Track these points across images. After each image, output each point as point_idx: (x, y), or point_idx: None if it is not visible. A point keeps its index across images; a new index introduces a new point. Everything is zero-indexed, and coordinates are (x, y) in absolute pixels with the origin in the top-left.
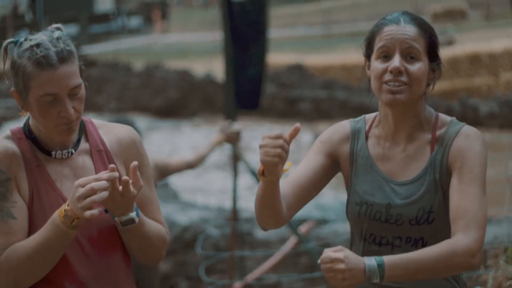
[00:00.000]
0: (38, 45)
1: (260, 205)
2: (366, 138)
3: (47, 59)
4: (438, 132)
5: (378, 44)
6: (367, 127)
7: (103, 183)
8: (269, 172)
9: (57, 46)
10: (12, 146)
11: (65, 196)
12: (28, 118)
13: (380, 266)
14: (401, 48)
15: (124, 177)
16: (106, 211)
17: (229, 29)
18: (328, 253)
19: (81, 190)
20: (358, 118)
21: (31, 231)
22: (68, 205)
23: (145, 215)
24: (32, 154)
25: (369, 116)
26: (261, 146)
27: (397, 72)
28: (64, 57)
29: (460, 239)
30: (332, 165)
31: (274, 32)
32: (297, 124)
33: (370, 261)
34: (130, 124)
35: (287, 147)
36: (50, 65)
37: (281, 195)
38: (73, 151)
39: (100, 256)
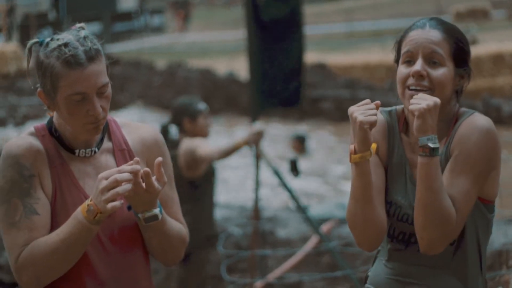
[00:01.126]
0: (66, 45)
1: (362, 204)
2: (400, 135)
3: (75, 58)
4: (454, 127)
5: (403, 49)
6: (399, 124)
7: (127, 175)
8: (365, 141)
9: (84, 45)
10: (36, 143)
11: (88, 194)
12: (52, 116)
13: (436, 150)
14: (424, 53)
15: (145, 169)
16: (129, 208)
17: (255, 27)
18: None
19: (105, 183)
20: (390, 109)
21: (53, 228)
22: (91, 200)
23: (166, 214)
24: (56, 152)
25: (400, 109)
26: (352, 112)
27: (418, 76)
28: (92, 56)
29: (455, 220)
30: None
31: None
32: (377, 102)
33: (436, 138)
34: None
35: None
36: (79, 64)
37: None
38: (96, 150)
39: (121, 254)
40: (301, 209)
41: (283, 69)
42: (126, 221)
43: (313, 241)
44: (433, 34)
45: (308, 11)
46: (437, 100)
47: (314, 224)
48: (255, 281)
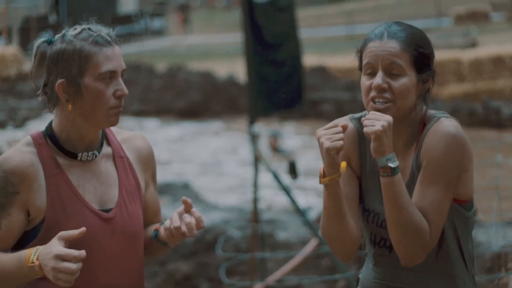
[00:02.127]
0: (89, 28)
1: (334, 222)
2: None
3: (103, 38)
4: (423, 132)
5: (364, 60)
6: None
7: (77, 267)
8: (331, 166)
9: (105, 30)
10: (30, 156)
11: (87, 201)
12: (51, 122)
13: (396, 168)
14: (383, 65)
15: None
16: (156, 235)
17: (251, 30)
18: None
19: (60, 266)
20: (358, 116)
21: (50, 238)
22: (37, 259)
23: (154, 223)
24: (53, 160)
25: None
26: (319, 137)
27: (379, 89)
28: (115, 39)
29: (428, 232)
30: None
31: None
32: (344, 124)
33: (394, 157)
34: None
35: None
36: (108, 42)
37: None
38: (97, 153)
39: (122, 262)
40: (300, 212)
41: (281, 71)
42: (124, 228)
43: (312, 244)
44: (391, 46)
45: (309, 13)
46: (390, 119)
47: (313, 227)
48: (255, 284)
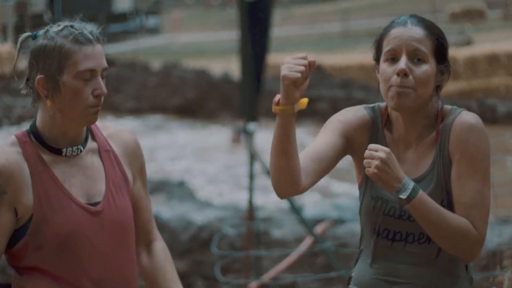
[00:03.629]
0: (72, 26)
1: (276, 153)
2: (383, 131)
3: (85, 36)
4: (441, 125)
5: (386, 47)
6: (383, 120)
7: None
8: (287, 96)
9: (87, 28)
10: (15, 156)
11: (75, 197)
12: (35, 120)
13: (415, 189)
14: (408, 50)
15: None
16: None
17: (246, 28)
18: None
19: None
20: (372, 106)
21: (44, 234)
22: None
23: (141, 222)
24: (38, 158)
25: (383, 105)
26: (283, 64)
27: (403, 75)
28: (97, 37)
29: (472, 228)
30: (345, 147)
31: (291, 31)
32: (313, 60)
33: (410, 179)
34: None
35: (308, 71)
36: (89, 41)
37: (298, 159)
38: (82, 148)
39: (112, 255)
40: (296, 210)
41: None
42: (113, 221)
43: (307, 241)
44: (416, 31)
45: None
46: (384, 154)
47: (309, 224)
48: (250, 281)
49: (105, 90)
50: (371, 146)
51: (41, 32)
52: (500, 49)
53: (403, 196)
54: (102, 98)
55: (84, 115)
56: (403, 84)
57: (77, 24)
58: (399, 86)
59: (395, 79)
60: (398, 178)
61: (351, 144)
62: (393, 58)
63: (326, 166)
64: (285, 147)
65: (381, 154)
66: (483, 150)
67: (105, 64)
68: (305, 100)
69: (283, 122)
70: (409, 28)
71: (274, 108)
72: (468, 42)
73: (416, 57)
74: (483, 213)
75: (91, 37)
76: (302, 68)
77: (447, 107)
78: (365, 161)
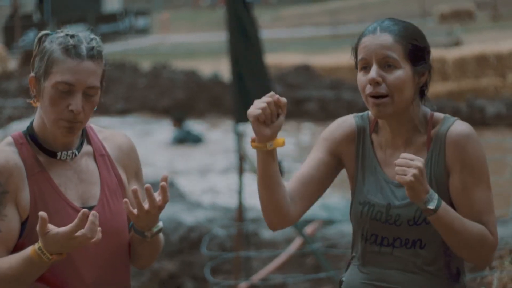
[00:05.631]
0: (72, 36)
1: (260, 188)
2: (370, 137)
3: (76, 49)
4: (433, 131)
5: (358, 56)
6: (371, 126)
7: (88, 228)
8: (256, 133)
9: (89, 43)
10: (13, 156)
11: (70, 199)
12: (32, 121)
13: (440, 200)
14: (377, 59)
15: (133, 188)
16: (134, 229)
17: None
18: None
19: (76, 239)
20: (361, 114)
21: (35, 237)
22: (50, 254)
23: None
24: (34, 159)
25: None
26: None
27: (374, 84)
28: (93, 55)
29: (489, 234)
30: (335, 163)
31: (281, 33)
32: (283, 99)
33: (433, 191)
34: None
35: (273, 108)
36: (78, 55)
37: (286, 190)
38: (77, 152)
39: (104, 256)
40: None
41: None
42: (107, 225)
43: (297, 242)
44: (384, 38)
45: (293, 12)
46: (421, 164)
47: (298, 225)
48: (240, 282)
49: (78, 107)
50: (405, 154)
51: (58, 31)
52: (489, 50)
53: (431, 206)
54: (81, 116)
55: (56, 126)
56: (376, 92)
57: (81, 36)
58: (374, 96)
59: (368, 87)
60: (426, 189)
61: (340, 158)
62: (366, 67)
63: (318, 188)
64: (266, 182)
65: (419, 164)
66: (482, 158)
67: (91, 83)
68: (281, 140)
69: (260, 158)
70: (378, 36)
71: (251, 144)
72: (457, 43)
73: (386, 64)
74: (493, 218)
75: (83, 52)
76: (264, 105)
77: (439, 114)
78: (398, 168)
